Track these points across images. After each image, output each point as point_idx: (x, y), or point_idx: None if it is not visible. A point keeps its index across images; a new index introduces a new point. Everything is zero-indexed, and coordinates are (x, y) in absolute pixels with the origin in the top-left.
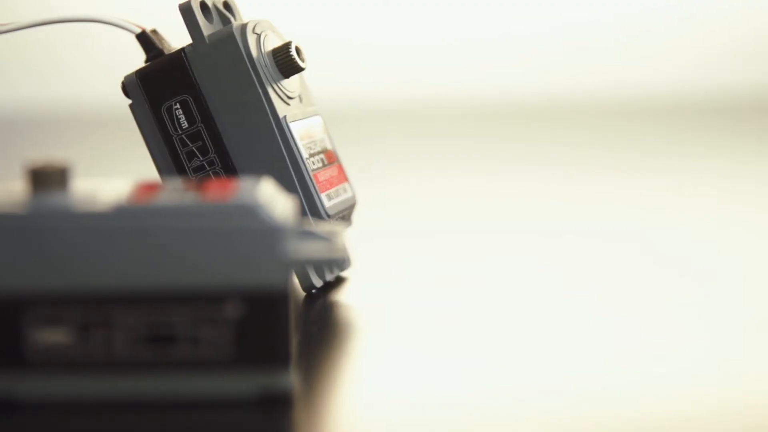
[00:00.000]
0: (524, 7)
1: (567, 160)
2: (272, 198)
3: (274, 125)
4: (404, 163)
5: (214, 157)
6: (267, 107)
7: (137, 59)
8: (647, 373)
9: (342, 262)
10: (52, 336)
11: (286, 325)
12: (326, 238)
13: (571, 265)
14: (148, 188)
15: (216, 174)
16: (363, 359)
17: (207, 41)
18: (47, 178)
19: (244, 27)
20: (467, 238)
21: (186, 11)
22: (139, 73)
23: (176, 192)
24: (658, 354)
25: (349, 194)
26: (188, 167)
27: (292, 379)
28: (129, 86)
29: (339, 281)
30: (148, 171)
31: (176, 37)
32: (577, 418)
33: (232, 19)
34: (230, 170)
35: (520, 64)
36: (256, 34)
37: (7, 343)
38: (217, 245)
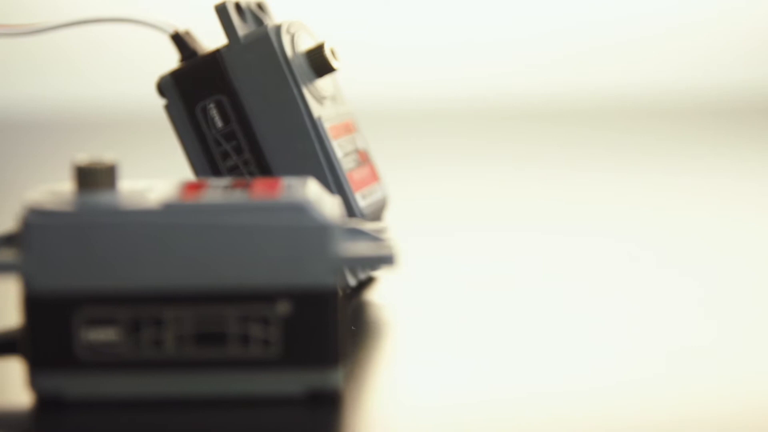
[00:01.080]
0: (531, 9)
1: (574, 161)
2: (319, 196)
3: (309, 125)
4: (410, 164)
5: (249, 156)
6: (302, 107)
7: (145, 60)
8: (667, 372)
9: (392, 260)
10: (103, 335)
11: (335, 324)
12: (374, 237)
13: (582, 265)
14: (195, 187)
15: (251, 174)
16: (402, 358)
17: (242, 41)
18: (95, 177)
19: (278, 27)
20: (482, 237)
21: (221, 11)
22: (174, 74)
23: (223, 190)
24: (673, 352)
25: (381, 194)
26: (223, 167)
27: (341, 377)
28: (164, 86)
29: (370, 280)
30: (165, 170)
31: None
32: (586, 417)
33: (265, 19)
34: (265, 170)
35: (524, 65)
36: (290, 34)
37: (58, 342)
38: (267, 243)
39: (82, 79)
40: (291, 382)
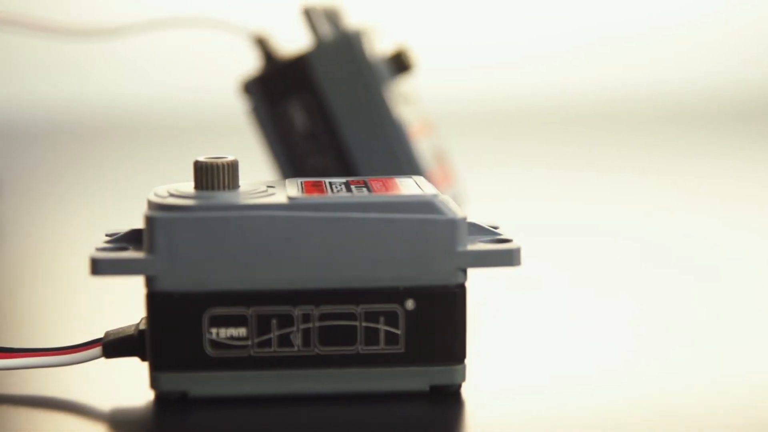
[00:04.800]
0: (537, 11)
1: (582, 161)
2: (438, 192)
3: (392, 124)
4: None
5: (333, 156)
6: (386, 107)
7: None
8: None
9: (518, 256)
10: (231, 333)
11: (462, 319)
12: (494, 233)
13: (591, 265)
14: (314, 184)
15: (334, 173)
16: (484, 351)
17: (327, 44)
18: (218, 175)
19: (361, 30)
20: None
21: (308, 14)
22: (260, 76)
23: (344, 188)
24: (675, 354)
25: (457, 192)
26: (307, 166)
27: (465, 373)
28: (250, 88)
29: None
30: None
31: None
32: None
33: (342, 23)
34: (349, 169)
35: (531, 67)
36: (369, 37)
37: (185, 341)
38: (395, 238)
39: (154, 81)
40: (416, 378)
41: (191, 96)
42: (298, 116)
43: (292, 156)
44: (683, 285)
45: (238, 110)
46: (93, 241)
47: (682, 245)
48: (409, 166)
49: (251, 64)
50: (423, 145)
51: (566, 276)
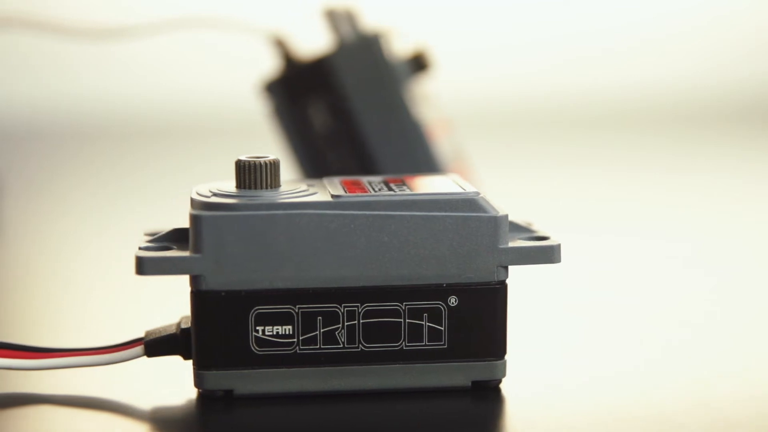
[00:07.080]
0: (543, 12)
1: (587, 162)
2: (478, 190)
3: (412, 124)
4: None
5: (354, 155)
6: (405, 108)
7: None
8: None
9: (559, 253)
10: (277, 331)
11: (503, 315)
12: (530, 230)
13: (612, 264)
14: (354, 183)
15: (354, 171)
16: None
17: (348, 46)
18: (260, 174)
19: (380, 32)
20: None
21: (329, 17)
22: (283, 77)
23: (384, 186)
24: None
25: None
26: (329, 167)
27: (506, 368)
28: (272, 89)
29: None
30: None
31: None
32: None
33: (360, 26)
34: (369, 168)
35: (535, 66)
36: (388, 38)
37: (232, 339)
38: (439, 235)
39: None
40: (458, 374)
41: (199, 97)
42: (319, 116)
43: (313, 156)
44: (696, 282)
45: (251, 110)
46: (105, 242)
47: (696, 244)
48: (428, 165)
49: (264, 64)
50: (442, 145)
51: (589, 272)
